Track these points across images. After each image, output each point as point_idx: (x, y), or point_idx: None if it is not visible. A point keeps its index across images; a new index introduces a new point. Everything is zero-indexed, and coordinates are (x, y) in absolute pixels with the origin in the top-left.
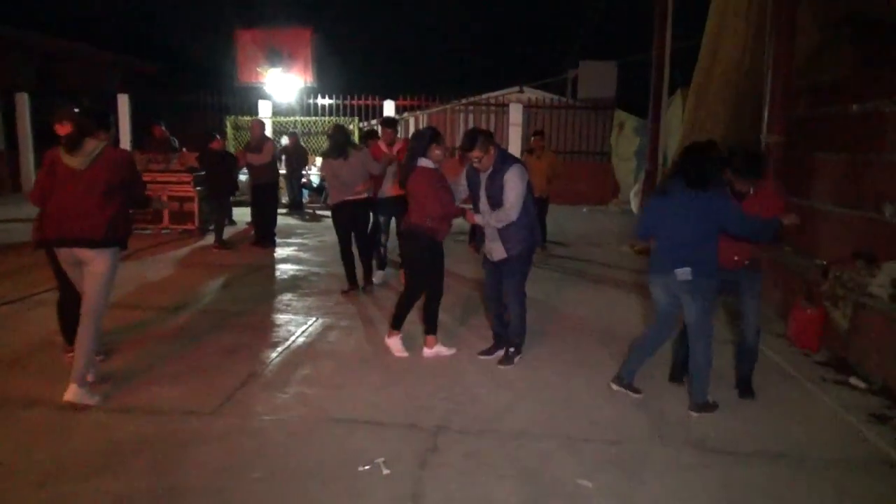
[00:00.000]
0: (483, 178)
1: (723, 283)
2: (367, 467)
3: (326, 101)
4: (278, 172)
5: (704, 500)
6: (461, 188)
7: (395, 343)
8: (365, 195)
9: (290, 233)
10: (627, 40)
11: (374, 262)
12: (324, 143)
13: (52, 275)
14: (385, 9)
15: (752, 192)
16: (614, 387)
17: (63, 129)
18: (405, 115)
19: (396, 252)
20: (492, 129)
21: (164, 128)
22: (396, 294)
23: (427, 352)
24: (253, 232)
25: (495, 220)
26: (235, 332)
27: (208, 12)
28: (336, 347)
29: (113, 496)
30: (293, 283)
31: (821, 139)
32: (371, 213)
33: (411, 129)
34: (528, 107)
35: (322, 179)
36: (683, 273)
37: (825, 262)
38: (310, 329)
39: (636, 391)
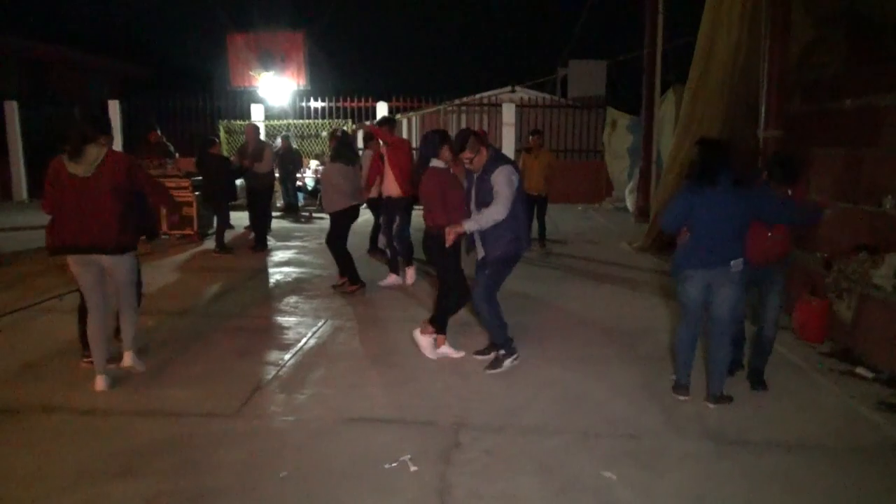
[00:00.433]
0: (475, 178)
1: (749, 278)
2: (393, 464)
3: (319, 104)
4: (274, 177)
5: (724, 490)
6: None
7: (445, 350)
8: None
9: (288, 236)
10: (616, 39)
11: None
12: (317, 146)
13: (55, 283)
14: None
15: (789, 193)
16: (681, 398)
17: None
18: (398, 116)
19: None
20: (485, 129)
21: (159, 132)
22: (406, 296)
23: (434, 351)
24: (252, 236)
25: (482, 220)
26: (246, 336)
27: (200, 17)
28: (348, 348)
29: (142, 498)
30: (297, 286)
31: (816, 135)
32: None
33: (405, 131)
34: (521, 106)
35: (316, 183)
36: (738, 264)
37: (825, 255)
38: (319, 331)
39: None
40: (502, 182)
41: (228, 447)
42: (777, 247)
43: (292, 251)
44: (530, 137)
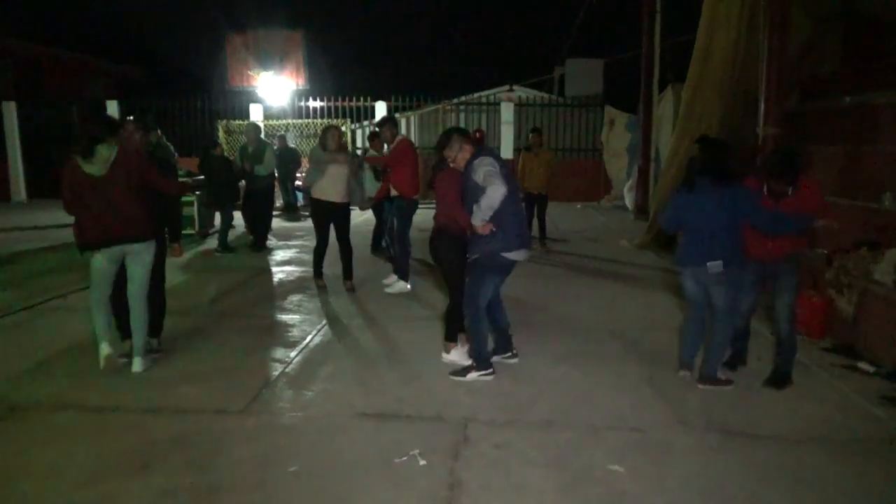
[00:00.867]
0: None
1: (760, 275)
2: (403, 459)
3: (318, 104)
4: (274, 177)
5: (732, 482)
6: None
7: (454, 356)
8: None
9: (288, 235)
10: (612, 38)
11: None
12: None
13: (59, 283)
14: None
15: (790, 192)
16: (680, 373)
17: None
18: (397, 115)
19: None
20: (484, 128)
21: (159, 132)
22: (409, 295)
23: (464, 357)
24: (251, 236)
25: (483, 208)
26: (251, 334)
27: (197, 17)
28: (353, 346)
29: (156, 493)
30: (300, 285)
31: (815, 132)
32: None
33: (402, 131)
34: (519, 105)
35: None
36: (715, 266)
37: (825, 251)
38: (324, 329)
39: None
40: (480, 171)
41: (239, 443)
42: (783, 244)
43: (293, 251)
44: (530, 136)
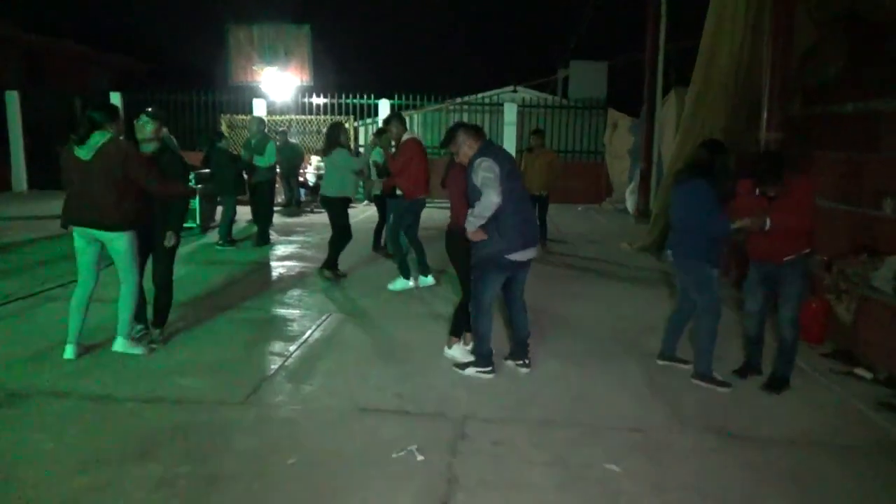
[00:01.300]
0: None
1: (765, 275)
2: (401, 453)
3: (321, 101)
4: (276, 171)
5: (730, 483)
6: None
7: (455, 351)
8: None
9: (290, 231)
10: (616, 41)
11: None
12: (319, 142)
13: (59, 272)
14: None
15: (774, 193)
16: (659, 362)
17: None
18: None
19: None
20: (487, 129)
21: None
22: (410, 292)
23: (466, 355)
24: (256, 230)
25: (476, 214)
26: (252, 327)
27: (202, 11)
28: (353, 341)
29: (154, 481)
30: (301, 280)
31: (817, 137)
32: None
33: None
34: (523, 106)
35: (318, 178)
36: (666, 255)
37: (825, 258)
38: (324, 324)
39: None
40: (478, 173)
41: (237, 434)
42: (783, 246)
43: (295, 245)
44: (531, 137)
